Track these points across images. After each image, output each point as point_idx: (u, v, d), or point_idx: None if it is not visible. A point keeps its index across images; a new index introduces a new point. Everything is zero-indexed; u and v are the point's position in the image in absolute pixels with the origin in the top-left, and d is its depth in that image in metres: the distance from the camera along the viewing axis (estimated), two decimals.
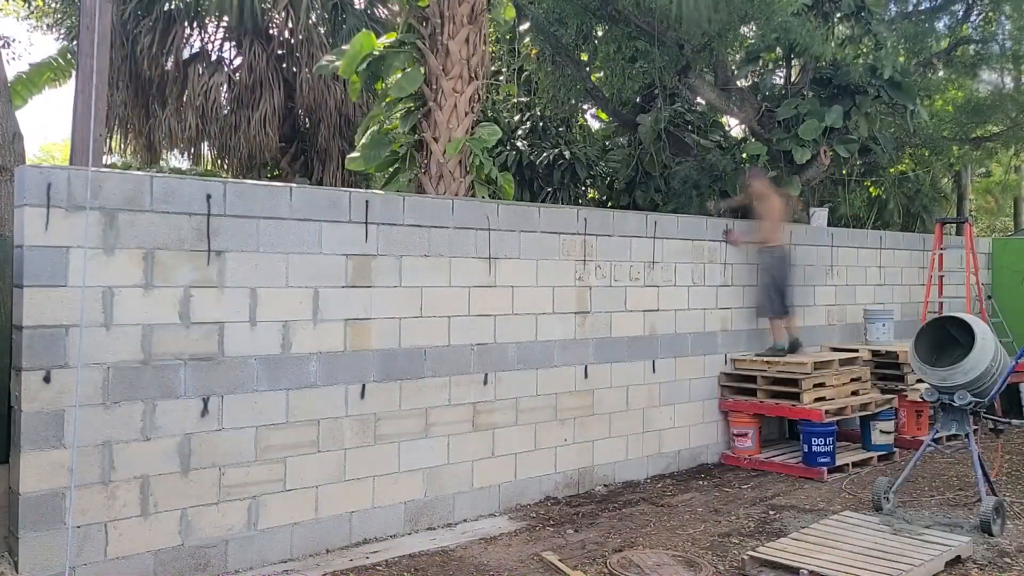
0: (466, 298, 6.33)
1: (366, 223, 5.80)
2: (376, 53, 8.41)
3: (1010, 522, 6.14)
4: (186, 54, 12.45)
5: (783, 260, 8.49)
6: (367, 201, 5.83)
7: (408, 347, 6.00)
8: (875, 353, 8.93)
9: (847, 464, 7.81)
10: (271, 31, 12.95)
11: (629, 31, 11.30)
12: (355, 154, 8.94)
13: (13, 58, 13.37)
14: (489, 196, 8.44)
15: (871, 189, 15.09)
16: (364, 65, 8.44)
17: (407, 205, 6.06)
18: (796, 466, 7.75)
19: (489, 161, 8.35)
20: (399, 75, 8.42)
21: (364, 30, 8.91)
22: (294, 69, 12.86)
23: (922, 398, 6.66)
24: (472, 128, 8.35)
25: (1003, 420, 6.99)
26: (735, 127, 14.99)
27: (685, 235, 7.95)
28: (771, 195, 8.64)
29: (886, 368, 8.88)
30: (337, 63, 8.70)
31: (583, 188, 14.26)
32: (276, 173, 13.75)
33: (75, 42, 10.69)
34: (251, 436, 5.27)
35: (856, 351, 8.78)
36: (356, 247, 5.75)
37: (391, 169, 8.78)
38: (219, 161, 13.47)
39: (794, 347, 8.49)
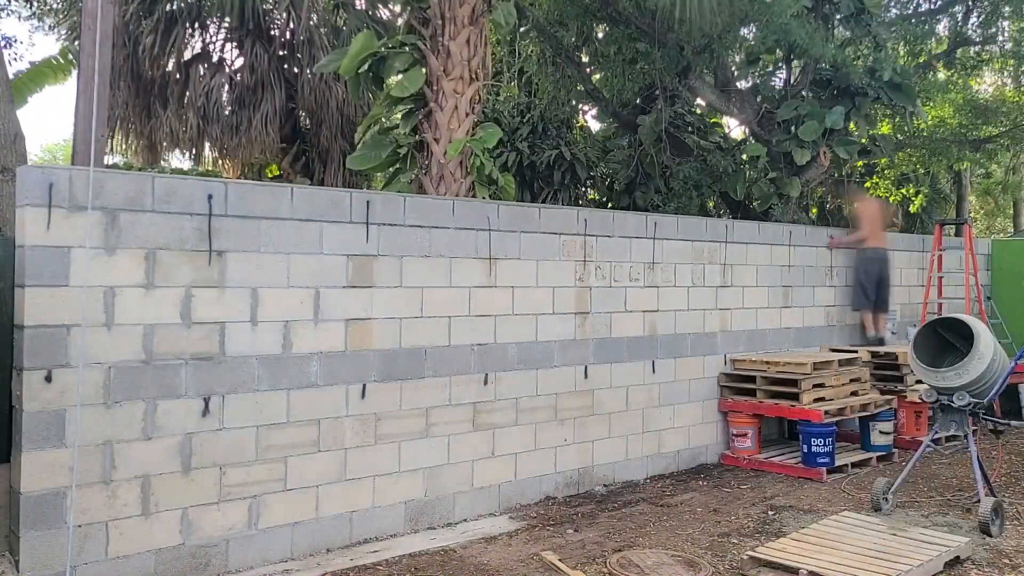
0: (466, 298, 6.34)
1: (367, 223, 5.81)
2: (378, 53, 8.42)
3: (1009, 523, 6.15)
4: (188, 55, 12.44)
5: (874, 260, 9.47)
6: (368, 202, 5.85)
7: (408, 347, 6.01)
8: (874, 354, 8.94)
9: (846, 464, 7.82)
10: (273, 32, 12.95)
11: (629, 32, 11.32)
12: (356, 154, 8.95)
13: (15, 58, 13.36)
14: (490, 197, 8.45)
15: (870, 190, 15.12)
16: (366, 66, 8.46)
17: (408, 206, 6.08)
18: (795, 466, 7.77)
19: (490, 162, 8.36)
20: (400, 76, 8.44)
21: (365, 30, 8.92)
22: (295, 70, 12.86)
23: (921, 399, 6.68)
24: (473, 129, 8.36)
25: (1002, 421, 7.00)
26: (735, 128, 15.01)
27: (685, 236, 7.96)
28: (865, 202, 10.35)
29: (885, 369, 8.89)
30: (338, 63, 8.71)
31: (583, 189, 14.28)
32: (277, 173, 13.76)
33: (77, 42, 10.69)
34: (252, 436, 5.28)
35: (855, 352, 8.80)
36: (357, 247, 5.76)
37: (392, 169, 8.78)
38: (220, 162, 13.48)
39: (880, 342, 9.41)
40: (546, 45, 12.53)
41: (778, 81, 12.64)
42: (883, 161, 13.63)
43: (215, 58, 12.72)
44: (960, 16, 13.58)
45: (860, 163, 13.47)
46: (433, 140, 8.22)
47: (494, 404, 6.50)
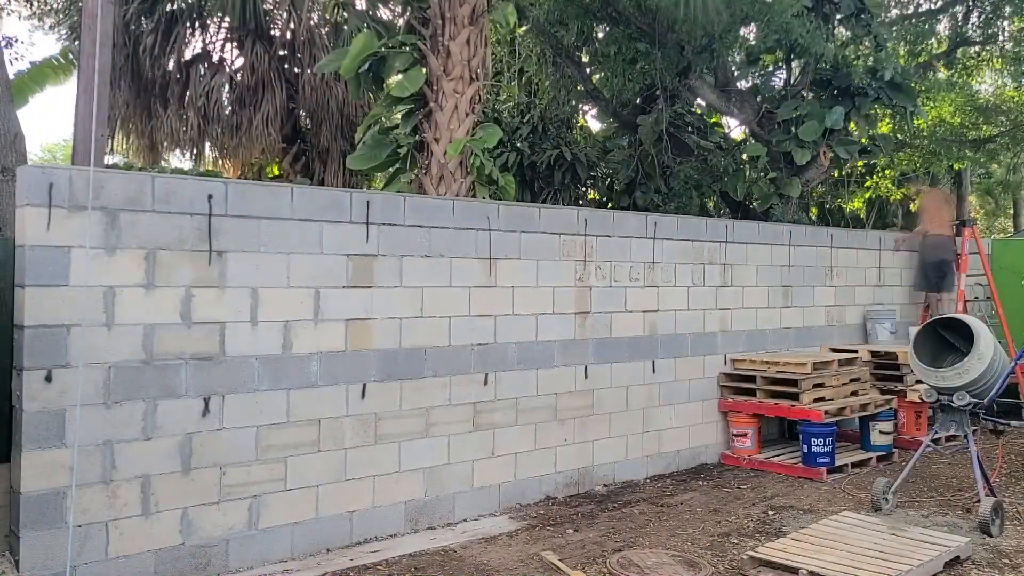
0: (467, 298, 6.34)
1: (367, 223, 5.81)
2: (378, 53, 8.43)
3: (1009, 523, 6.15)
4: (188, 55, 12.45)
5: (936, 246, 10.09)
6: (368, 201, 5.85)
7: (409, 347, 6.01)
8: (874, 354, 8.94)
9: (846, 464, 7.82)
10: (273, 32, 12.96)
11: (629, 32, 11.33)
12: (356, 154, 8.96)
13: (15, 58, 13.35)
14: (490, 197, 8.46)
15: (870, 190, 15.14)
16: (366, 66, 8.46)
17: (408, 205, 6.08)
18: (795, 466, 7.77)
19: (490, 162, 8.37)
20: (400, 76, 8.45)
21: (365, 30, 8.92)
22: (296, 70, 12.87)
23: (921, 399, 6.68)
24: (473, 129, 8.36)
25: (1002, 421, 7.00)
26: (735, 128, 15.02)
27: (685, 236, 7.96)
28: (928, 194, 11.53)
29: (885, 369, 8.89)
30: (338, 63, 8.72)
31: (583, 189, 14.28)
32: (277, 173, 13.77)
33: (77, 42, 10.70)
34: (252, 435, 5.28)
35: (855, 352, 8.80)
36: (357, 247, 5.77)
37: (392, 169, 8.79)
38: (221, 161, 13.49)
39: None
40: (546, 45, 12.53)
41: (778, 81, 12.64)
42: (883, 161, 13.63)
43: (215, 58, 12.72)
44: (960, 16, 13.59)
45: (860, 163, 13.47)
46: (433, 140, 8.22)
47: (494, 404, 6.50)
